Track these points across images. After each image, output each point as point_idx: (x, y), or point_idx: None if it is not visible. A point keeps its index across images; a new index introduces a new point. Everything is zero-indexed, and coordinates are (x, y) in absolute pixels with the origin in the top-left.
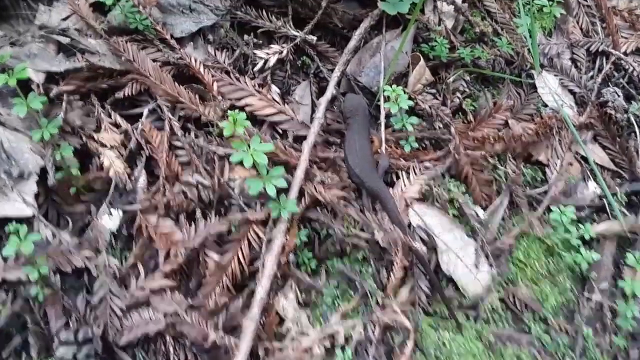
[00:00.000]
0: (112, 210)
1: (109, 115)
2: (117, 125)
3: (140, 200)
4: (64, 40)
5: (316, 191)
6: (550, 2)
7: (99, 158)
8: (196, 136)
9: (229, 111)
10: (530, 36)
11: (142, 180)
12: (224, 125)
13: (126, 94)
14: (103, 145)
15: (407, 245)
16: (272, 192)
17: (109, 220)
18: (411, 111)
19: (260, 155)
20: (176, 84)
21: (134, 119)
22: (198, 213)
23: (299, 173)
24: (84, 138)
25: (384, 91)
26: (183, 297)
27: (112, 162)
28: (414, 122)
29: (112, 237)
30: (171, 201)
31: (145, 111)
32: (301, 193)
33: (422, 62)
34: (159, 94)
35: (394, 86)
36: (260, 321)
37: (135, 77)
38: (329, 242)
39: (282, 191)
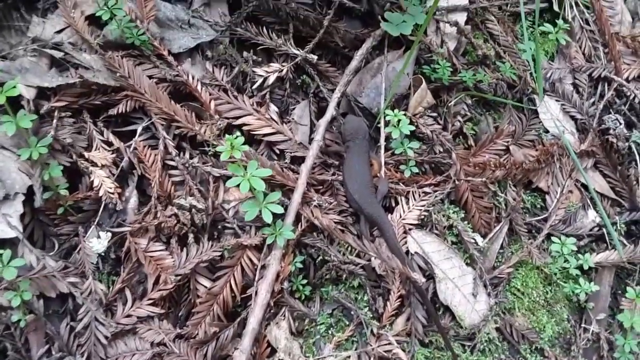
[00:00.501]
0: (100, 232)
1: (101, 133)
2: (109, 144)
3: (130, 222)
4: (57, 54)
5: (313, 216)
6: (556, 29)
7: (89, 177)
8: (191, 156)
9: (226, 135)
10: (534, 63)
11: (133, 200)
12: (221, 149)
13: (120, 111)
14: (94, 164)
15: (405, 275)
16: (268, 218)
17: (97, 242)
18: (412, 134)
19: (257, 181)
20: (172, 101)
21: (127, 137)
22: (190, 238)
23: (296, 197)
24: (74, 156)
25: (385, 115)
26: (171, 325)
27: (103, 181)
28: (415, 147)
29: (99, 260)
30: (163, 223)
31: (139, 129)
32: (298, 217)
33: (424, 84)
34: (154, 112)
35: (395, 110)
36: (250, 352)
37: (130, 94)
38: (325, 269)
39: (278, 215)
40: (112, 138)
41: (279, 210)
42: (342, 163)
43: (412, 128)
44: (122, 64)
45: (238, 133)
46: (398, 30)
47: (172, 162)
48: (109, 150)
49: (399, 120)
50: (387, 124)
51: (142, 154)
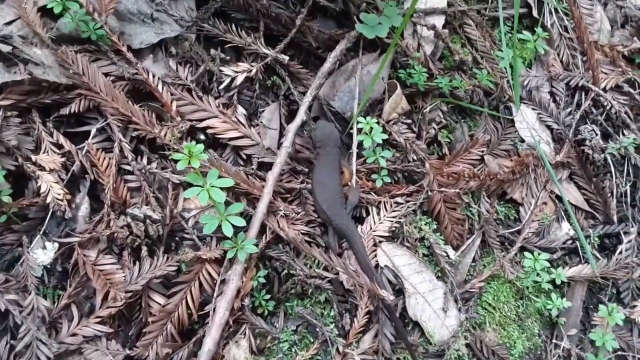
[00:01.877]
0: (46, 242)
1: (51, 135)
2: (59, 146)
3: (80, 231)
4: (5, 48)
5: (279, 227)
6: (534, 36)
7: (36, 182)
8: (149, 161)
9: (184, 142)
10: (512, 71)
11: (84, 208)
12: (179, 157)
13: (72, 111)
14: (41, 168)
15: (373, 292)
16: (228, 232)
17: (42, 253)
18: (385, 142)
19: (217, 192)
20: (130, 102)
21: (80, 139)
22: (144, 251)
23: (261, 207)
24: (20, 159)
25: (357, 123)
26: (120, 346)
27: (51, 186)
28: (387, 156)
29: (44, 273)
30: (116, 233)
31: (93, 130)
32: (263, 228)
33: (398, 90)
34: (110, 113)
35: (368, 118)
36: None
37: (84, 93)
38: (290, 283)
39: (242, 226)
40: (62, 140)
41: (241, 223)
42: (312, 170)
43: (385, 136)
44: (75, 60)
45: (201, 137)
46: (373, 33)
47: (128, 167)
48: (58, 153)
49: (371, 128)
50: (359, 131)
51: (96, 158)
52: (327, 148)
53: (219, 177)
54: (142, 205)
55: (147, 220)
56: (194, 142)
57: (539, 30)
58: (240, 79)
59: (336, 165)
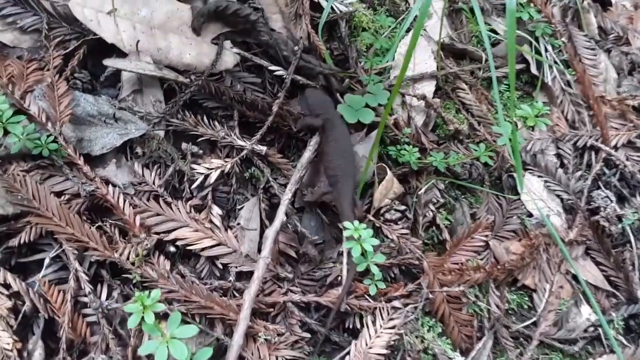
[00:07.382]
0: None
1: None
2: (6, 286)
3: None
4: None
5: (260, 358)
6: (535, 111)
7: None
8: (110, 288)
9: (136, 292)
10: (513, 150)
11: (38, 354)
12: (131, 309)
13: (22, 241)
14: None
15: None
16: None
17: None
18: (377, 231)
19: (178, 347)
20: (87, 224)
21: (34, 267)
22: None
23: (237, 338)
24: None
25: (345, 229)
26: None
27: None
28: (381, 261)
29: None
30: None
31: (47, 260)
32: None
33: (389, 175)
34: (65, 238)
35: (355, 223)
36: None
37: (35, 220)
38: None
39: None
40: (10, 279)
41: None
42: (326, 138)
43: (377, 242)
44: (24, 183)
45: (171, 249)
46: (356, 117)
47: (86, 299)
48: (6, 295)
49: (360, 236)
50: (347, 239)
51: (49, 294)
52: (331, 112)
53: (182, 321)
54: (98, 352)
55: None
56: (162, 257)
57: (539, 105)
58: (214, 176)
59: (349, 138)
